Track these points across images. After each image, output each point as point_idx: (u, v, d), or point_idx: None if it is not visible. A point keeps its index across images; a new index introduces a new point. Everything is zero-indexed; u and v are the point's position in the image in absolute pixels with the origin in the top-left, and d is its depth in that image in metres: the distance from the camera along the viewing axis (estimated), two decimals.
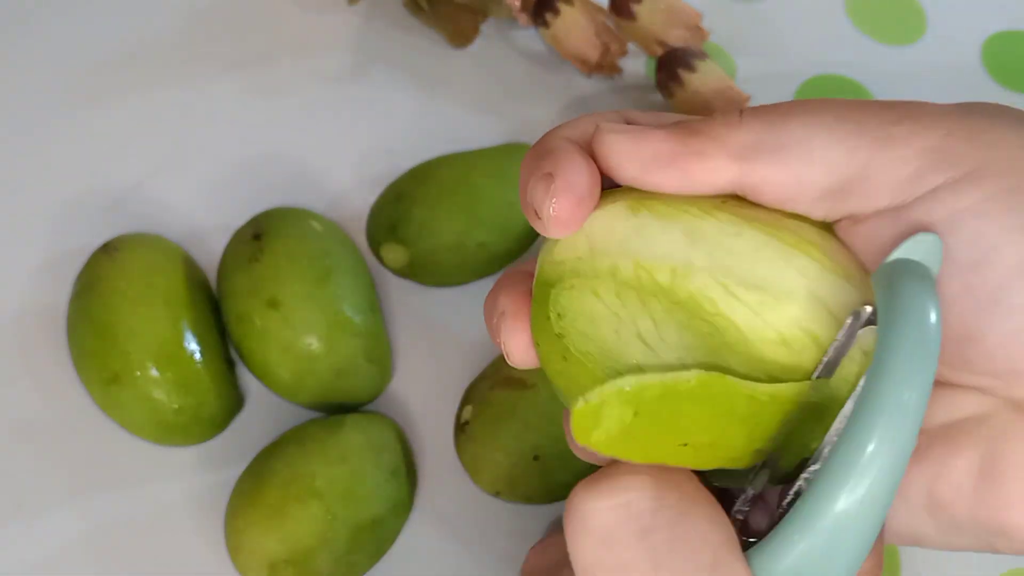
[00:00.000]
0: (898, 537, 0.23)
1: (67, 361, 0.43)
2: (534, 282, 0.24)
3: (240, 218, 0.44)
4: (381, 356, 0.43)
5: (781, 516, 0.21)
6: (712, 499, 0.21)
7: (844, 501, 0.18)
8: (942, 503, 0.22)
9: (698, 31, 0.49)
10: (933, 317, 0.19)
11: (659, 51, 0.49)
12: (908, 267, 0.20)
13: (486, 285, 0.46)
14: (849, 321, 0.21)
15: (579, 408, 0.20)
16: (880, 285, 0.20)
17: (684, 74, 0.47)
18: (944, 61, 0.51)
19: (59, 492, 0.42)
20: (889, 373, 0.18)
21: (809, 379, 0.21)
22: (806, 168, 0.21)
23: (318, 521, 0.37)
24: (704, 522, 0.20)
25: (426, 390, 0.44)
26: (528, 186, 0.23)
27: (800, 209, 0.22)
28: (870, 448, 0.18)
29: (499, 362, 0.42)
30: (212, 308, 0.43)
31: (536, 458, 0.39)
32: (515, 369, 0.40)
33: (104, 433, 0.42)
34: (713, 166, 0.22)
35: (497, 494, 0.40)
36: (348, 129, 0.50)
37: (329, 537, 0.38)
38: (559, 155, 0.22)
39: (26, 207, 0.48)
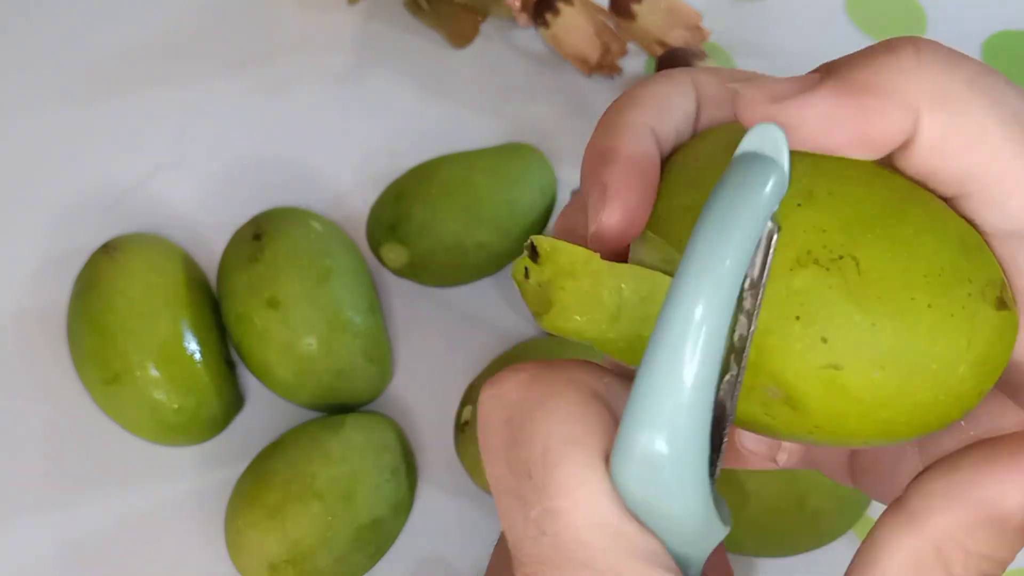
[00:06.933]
0: None
1: (67, 361, 0.43)
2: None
3: (240, 218, 0.44)
4: (381, 356, 0.43)
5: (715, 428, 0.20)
6: (588, 392, 0.21)
7: (672, 378, 0.18)
8: None
9: (698, 31, 0.49)
10: (760, 187, 0.18)
11: (659, 51, 0.49)
12: (749, 157, 0.19)
13: (486, 285, 0.46)
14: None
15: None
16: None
17: None
18: None
19: (59, 492, 0.42)
20: (695, 242, 0.18)
21: None
22: (956, 155, 0.20)
23: (318, 521, 0.37)
24: (555, 414, 0.20)
25: (426, 390, 0.44)
26: (584, 181, 0.22)
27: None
28: (680, 320, 0.18)
29: (499, 362, 0.42)
30: (212, 308, 0.43)
31: None
32: None
33: (104, 433, 0.42)
34: (889, 122, 0.19)
35: None
36: (348, 129, 0.50)
37: (329, 537, 0.38)
38: (619, 166, 0.21)
39: (26, 207, 0.48)
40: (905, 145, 0.20)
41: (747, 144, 0.19)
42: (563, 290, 0.21)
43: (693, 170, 0.22)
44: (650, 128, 0.22)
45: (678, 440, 0.18)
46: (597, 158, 0.22)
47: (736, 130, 0.21)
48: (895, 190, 0.20)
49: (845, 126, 0.20)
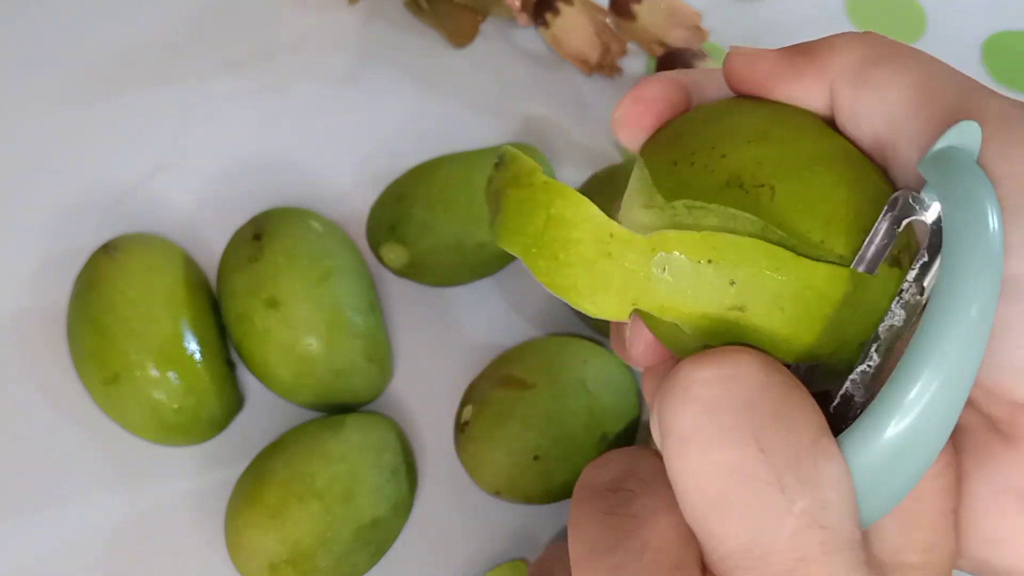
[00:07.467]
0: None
1: (67, 361, 0.43)
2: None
3: (240, 218, 0.44)
4: (381, 356, 0.43)
5: (831, 418, 0.21)
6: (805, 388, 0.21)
7: (922, 401, 0.19)
8: None
9: (698, 31, 0.49)
10: (997, 222, 0.19)
11: (659, 51, 0.49)
12: (960, 160, 0.20)
13: (486, 285, 0.46)
14: (888, 207, 0.21)
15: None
16: (936, 180, 0.20)
17: None
18: (944, 61, 0.51)
19: (59, 492, 0.42)
20: (958, 288, 0.19)
21: (849, 266, 0.21)
22: (867, 119, 0.22)
23: (318, 521, 0.37)
24: (807, 404, 0.20)
25: (426, 390, 0.44)
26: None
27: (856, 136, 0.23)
28: (935, 367, 0.19)
29: (499, 362, 0.42)
30: (212, 308, 0.43)
31: (536, 458, 0.39)
32: (515, 369, 0.40)
33: (104, 433, 0.42)
34: (808, 86, 0.23)
35: (497, 494, 0.40)
36: (348, 129, 0.50)
37: (329, 537, 0.37)
38: (655, 80, 0.24)
39: (26, 207, 0.47)
40: (835, 114, 0.23)
41: (950, 140, 0.20)
42: (507, 198, 0.23)
43: (689, 113, 0.24)
44: (689, 78, 0.25)
45: (929, 430, 0.19)
46: (637, 88, 0.25)
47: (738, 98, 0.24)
48: (839, 149, 0.22)
49: (780, 76, 0.23)
